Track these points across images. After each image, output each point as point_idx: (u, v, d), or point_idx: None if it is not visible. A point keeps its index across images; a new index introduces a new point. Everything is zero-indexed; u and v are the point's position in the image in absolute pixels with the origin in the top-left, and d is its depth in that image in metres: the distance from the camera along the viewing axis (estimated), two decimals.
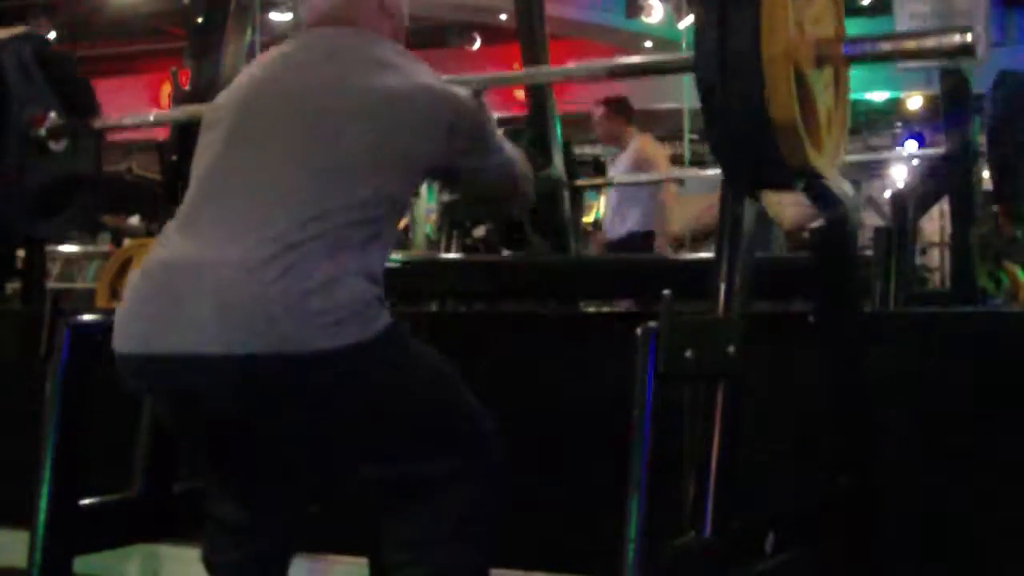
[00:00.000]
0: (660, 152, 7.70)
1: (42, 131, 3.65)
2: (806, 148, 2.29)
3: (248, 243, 2.15)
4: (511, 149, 2.55)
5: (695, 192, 8.08)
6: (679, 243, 7.40)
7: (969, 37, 2.29)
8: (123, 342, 2.24)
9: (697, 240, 7.31)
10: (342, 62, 2.36)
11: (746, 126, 2.22)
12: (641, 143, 7.32)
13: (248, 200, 2.22)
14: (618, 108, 7.31)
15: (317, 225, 2.17)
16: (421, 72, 2.38)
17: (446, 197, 5.67)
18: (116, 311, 2.28)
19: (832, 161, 2.45)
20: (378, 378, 2.21)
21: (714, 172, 2.32)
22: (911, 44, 2.51)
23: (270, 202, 2.20)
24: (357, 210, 2.21)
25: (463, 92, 2.42)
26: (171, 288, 2.19)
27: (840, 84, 2.51)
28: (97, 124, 3.74)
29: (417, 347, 2.33)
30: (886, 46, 2.47)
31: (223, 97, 2.47)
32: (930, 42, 2.44)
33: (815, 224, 2.61)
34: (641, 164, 7.21)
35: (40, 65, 3.71)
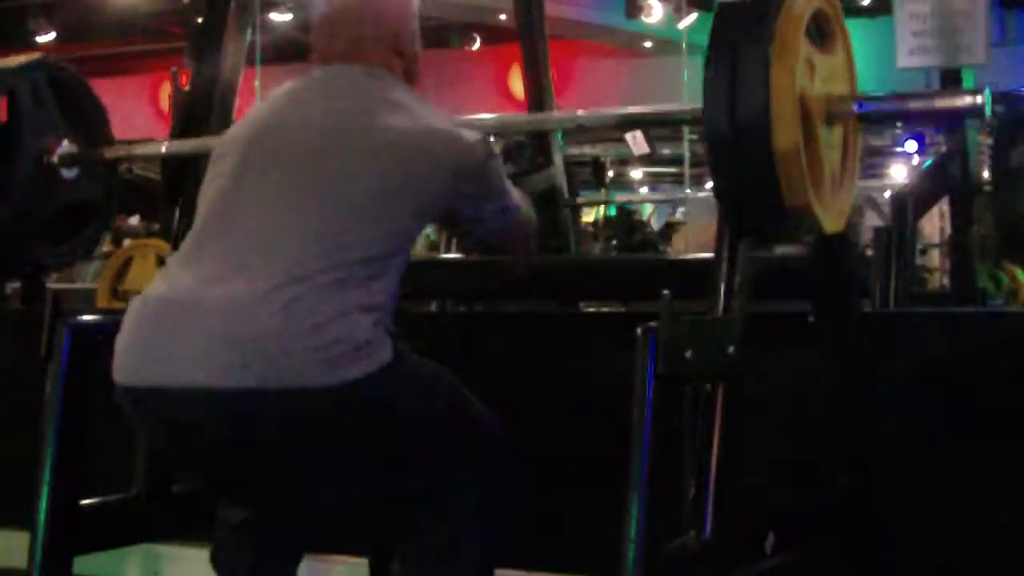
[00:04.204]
0: None
1: (54, 158, 3.63)
2: (809, 195, 2.28)
3: (249, 278, 2.15)
4: (517, 196, 2.52)
5: (699, 215, 7.89)
6: None
7: (979, 99, 2.32)
8: (119, 374, 2.24)
9: None
10: (351, 101, 2.34)
11: (752, 175, 2.23)
12: None
13: (252, 236, 2.22)
14: None
15: (320, 262, 2.16)
16: (430, 114, 2.37)
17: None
18: (116, 341, 2.26)
19: (836, 219, 2.44)
20: (378, 411, 2.21)
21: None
22: (921, 104, 2.53)
23: (273, 239, 2.19)
24: (361, 248, 2.20)
25: (471, 135, 2.38)
26: (167, 320, 2.18)
27: (849, 147, 2.50)
28: (109, 153, 3.74)
29: (417, 369, 2.30)
30: (897, 105, 2.52)
31: (233, 131, 2.47)
32: (941, 102, 2.50)
33: None
34: None
35: (54, 90, 3.68)
